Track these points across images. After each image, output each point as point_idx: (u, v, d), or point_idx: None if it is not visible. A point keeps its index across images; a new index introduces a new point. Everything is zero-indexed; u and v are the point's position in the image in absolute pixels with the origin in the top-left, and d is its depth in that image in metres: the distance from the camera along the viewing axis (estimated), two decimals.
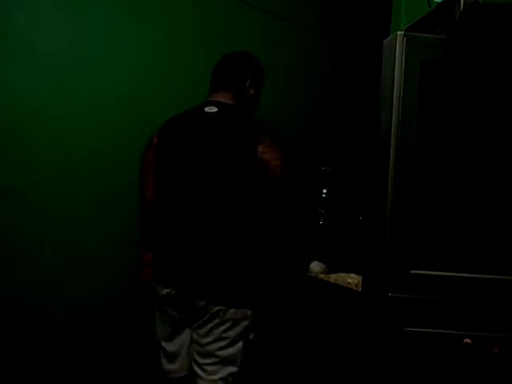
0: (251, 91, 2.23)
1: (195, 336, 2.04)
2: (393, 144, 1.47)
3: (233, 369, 2.01)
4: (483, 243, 1.50)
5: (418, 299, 1.47)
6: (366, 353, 1.58)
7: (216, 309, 1.98)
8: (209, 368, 2.01)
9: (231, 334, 2.00)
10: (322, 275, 2.30)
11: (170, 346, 2.11)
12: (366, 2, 2.76)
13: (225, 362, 2.01)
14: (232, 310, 1.99)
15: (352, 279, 2.11)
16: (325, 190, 2.56)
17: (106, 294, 2.54)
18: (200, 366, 2.03)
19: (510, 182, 1.51)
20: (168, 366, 2.12)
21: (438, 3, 1.53)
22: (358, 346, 1.70)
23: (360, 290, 1.85)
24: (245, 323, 2.02)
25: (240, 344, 2.02)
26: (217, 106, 2.14)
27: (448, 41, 1.51)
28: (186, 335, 2.08)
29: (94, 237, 2.55)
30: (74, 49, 2.53)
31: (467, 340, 1.44)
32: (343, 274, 2.22)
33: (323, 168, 2.62)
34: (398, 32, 1.49)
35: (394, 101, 1.47)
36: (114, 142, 2.57)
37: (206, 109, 2.14)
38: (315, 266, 2.37)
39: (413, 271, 1.47)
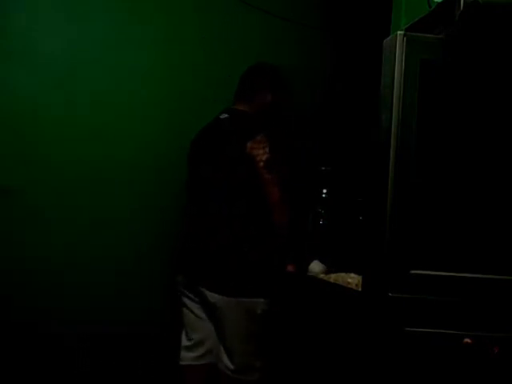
0: (268, 98, 2.25)
1: (215, 327, 2.14)
2: (393, 144, 1.47)
3: (257, 359, 2.09)
4: (483, 243, 1.50)
5: (418, 299, 1.47)
6: (366, 353, 1.58)
7: (228, 300, 2.04)
8: (236, 357, 2.09)
9: (246, 323, 2.06)
10: (321, 275, 2.29)
11: (193, 335, 2.20)
12: (366, 2, 2.76)
13: (248, 349, 2.09)
14: (242, 300, 2.05)
15: (352, 279, 2.11)
16: (325, 190, 2.56)
17: (105, 294, 2.54)
18: (225, 355, 2.10)
19: (510, 182, 1.51)
20: (188, 354, 2.20)
21: (438, 3, 1.53)
22: (358, 346, 1.70)
23: (360, 289, 1.85)
24: (259, 311, 2.07)
25: (257, 330, 2.08)
26: (229, 113, 2.21)
27: (448, 41, 1.50)
28: (209, 325, 2.16)
29: (94, 237, 2.55)
30: (73, 49, 2.53)
31: (467, 340, 1.44)
32: (343, 274, 2.22)
33: (323, 168, 2.62)
34: (398, 32, 1.49)
35: (394, 101, 1.47)
36: (114, 141, 2.57)
37: (221, 116, 2.22)
38: (315, 266, 2.37)
39: (413, 271, 1.47)
